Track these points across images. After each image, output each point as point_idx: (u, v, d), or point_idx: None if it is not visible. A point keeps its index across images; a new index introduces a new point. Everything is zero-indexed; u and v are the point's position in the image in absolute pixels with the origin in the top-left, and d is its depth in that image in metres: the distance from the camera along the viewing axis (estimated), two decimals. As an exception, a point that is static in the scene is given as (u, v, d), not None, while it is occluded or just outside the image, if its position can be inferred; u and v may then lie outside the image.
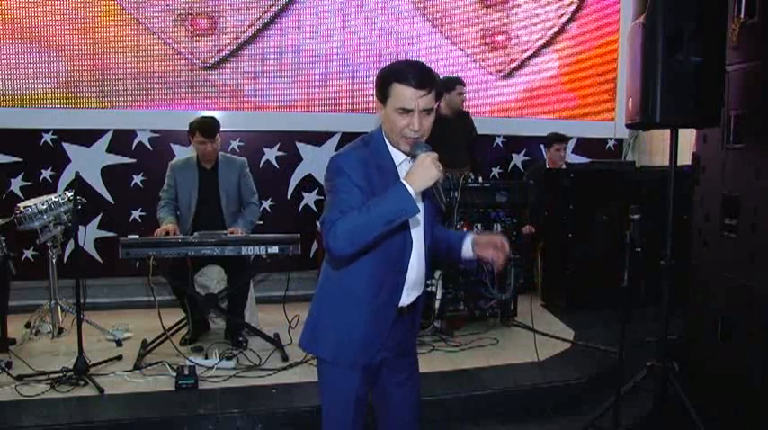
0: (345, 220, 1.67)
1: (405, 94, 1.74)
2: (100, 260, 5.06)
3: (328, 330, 1.90)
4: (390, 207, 1.66)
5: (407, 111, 1.75)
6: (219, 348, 3.75)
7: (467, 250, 1.99)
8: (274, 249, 3.64)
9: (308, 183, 5.41)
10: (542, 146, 5.51)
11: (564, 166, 5.26)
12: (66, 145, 4.96)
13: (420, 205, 1.73)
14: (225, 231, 3.78)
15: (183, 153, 4.85)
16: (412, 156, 1.78)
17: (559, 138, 5.26)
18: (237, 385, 3.30)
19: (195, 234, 3.70)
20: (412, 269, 1.90)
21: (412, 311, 1.98)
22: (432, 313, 4.05)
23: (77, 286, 3.38)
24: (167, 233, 3.71)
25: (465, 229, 4.08)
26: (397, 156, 1.85)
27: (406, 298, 1.93)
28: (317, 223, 5.37)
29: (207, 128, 3.89)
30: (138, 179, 5.08)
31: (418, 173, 1.68)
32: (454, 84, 4.81)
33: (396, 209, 1.66)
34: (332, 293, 1.92)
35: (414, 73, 1.75)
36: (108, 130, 5.02)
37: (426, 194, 1.79)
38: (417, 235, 1.90)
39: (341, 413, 1.92)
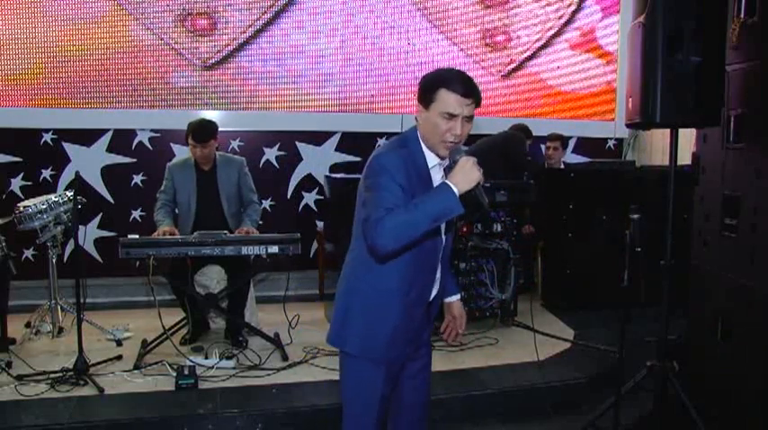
0: (392, 218, 1.70)
1: (451, 100, 1.81)
2: (100, 260, 5.07)
3: (358, 326, 1.92)
4: (437, 206, 1.72)
5: (453, 117, 1.81)
6: (219, 348, 3.75)
7: (448, 301, 2.22)
8: (274, 249, 3.64)
9: (308, 182, 5.41)
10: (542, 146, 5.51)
11: (562, 166, 5.25)
12: (66, 145, 4.96)
13: None
14: (225, 231, 3.77)
15: (182, 153, 4.85)
16: (452, 160, 1.83)
17: (550, 137, 5.27)
18: (237, 385, 3.30)
19: (195, 234, 3.70)
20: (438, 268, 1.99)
21: (433, 306, 2.07)
22: (432, 313, 4.05)
23: (77, 286, 3.38)
24: (168, 235, 3.71)
25: (465, 229, 4.08)
26: (431, 160, 1.90)
27: (432, 292, 2.03)
28: (318, 224, 5.37)
29: (200, 133, 3.85)
30: (138, 179, 5.08)
31: (462, 174, 1.74)
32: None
33: (442, 207, 1.72)
34: (362, 290, 1.93)
35: (461, 81, 1.83)
36: (108, 130, 5.03)
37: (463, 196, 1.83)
38: (445, 236, 1.98)
39: (365, 409, 1.94)
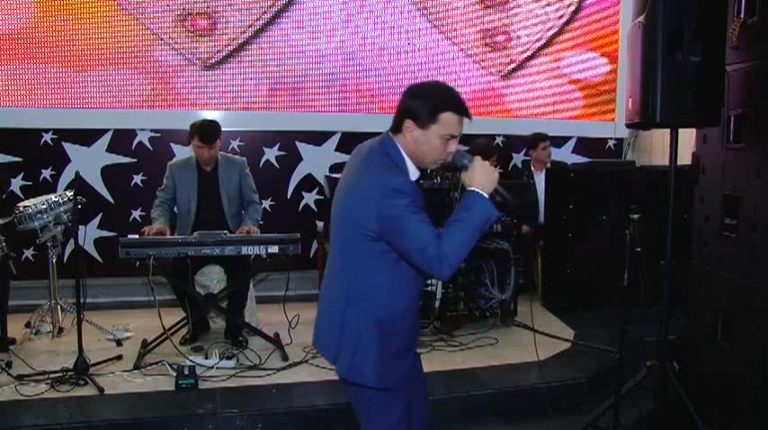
0: (448, 242, 1.68)
1: (455, 122, 1.79)
2: (100, 260, 5.06)
3: (373, 354, 1.82)
4: (481, 217, 1.71)
5: (453, 138, 1.81)
6: (219, 348, 3.75)
7: None
8: (274, 249, 3.65)
9: (308, 182, 5.41)
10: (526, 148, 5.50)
11: (549, 165, 5.20)
12: (66, 145, 4.96)
13: None
14: (225, 231, 3.77)
15: (182, 153, 4.85)
16: (460, 166, 1.82)
17: (543, 137, 5.26)
18: (237, 385, 3.30)
19: (195, 234, 3.70)
20: None
21: None
22: (432, 313, 4.06)
23: (77, 286, 3.38)
24: (154, 232, 3.70)
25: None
26: (413, 174, 1.87)
27: None
28: (318, 224, 5.37)
29: (206, 133, 3.85)
30: (138, 179, 5.08)
31: (484, 177, 1.74)
32: (491, 151, 4.82)
33: (484, 218, 1.71)
34: (374, 313, 1.83)
35: (462, 103, 1.81)
36: (108, 130, 5.02)
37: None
38: None
39: None
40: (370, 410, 1.89)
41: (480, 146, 4.73)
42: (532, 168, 5.30)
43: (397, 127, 1.85)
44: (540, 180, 5.14)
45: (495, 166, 4.80)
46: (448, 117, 1.78)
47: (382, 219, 1.72)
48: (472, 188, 1.73)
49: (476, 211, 1.71)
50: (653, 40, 2.58)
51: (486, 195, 1.71)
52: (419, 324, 2.02)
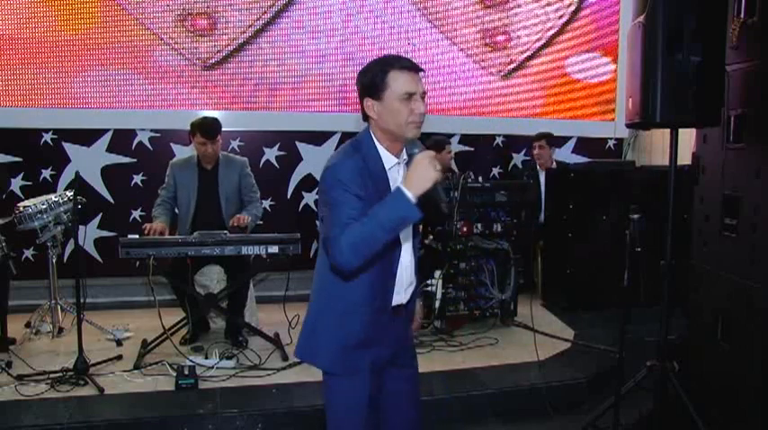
0: (348, 235, 1.64)
1: (406, 78, 1.75)
2: (100, 260, 5.06)
3: (326, 338, 1.86)
4: (390, 215, 1.63)
5: (411, 96, 1.75)
6: (219, 348, 3.75)
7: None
8: (274, 249, 3.65)
9: (308, 183, 5.41)
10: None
11: (554, 165, 5.22)
12: (66, 145, 4.96)
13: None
14: (224, 231, 3.77)
15: (182, 153, 4.85)
16: (409, 154, 1.76)
17: (537, 137, 5.23)
18: (237, 385, 3.30)
19: (195, 234, 3.70)
20: (405, 269, 1.90)
21: (408, 307, 1.99)
22: (432, 313, 4.06)
23: (77, 286, 3.38)
24: (158, 232, 3.71)
25: (465, 229, 4.08)
26: (388, 161, 1.83)
27: (403, 297, 1.93)
28: (318, 224, 5.36)
29: (208, 129, 3.87)
30: (138, 179, 5.08)
31: (416, 175, 1.64)
32: (443, 144, 4.74)
33: (396, 217, 1.64)
34: (330, 304, 1.87)
35: (404, 59, 1.78)
36: (108, 130, 5.02)
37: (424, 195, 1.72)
38: (405, 234, 1.88)
39: (351, 424, 1.87)
40: (329, 397, 1.91)
41: (434, 141, 4.70)
42: (537, 168, 5.30)
43: (364, 114, 1.84)
44: (543, 180, 5.15)
45: (451, 159, 4.84)
46: (395, 76, 1.75)
47: (320, 203, 1.78)
48: (398, 184, 1.67)
49: (388, 209, 1.63)
50: (653, 40, 2.58)
51: (411, 194, 1.62)
52: (394, 325, 1.94)
